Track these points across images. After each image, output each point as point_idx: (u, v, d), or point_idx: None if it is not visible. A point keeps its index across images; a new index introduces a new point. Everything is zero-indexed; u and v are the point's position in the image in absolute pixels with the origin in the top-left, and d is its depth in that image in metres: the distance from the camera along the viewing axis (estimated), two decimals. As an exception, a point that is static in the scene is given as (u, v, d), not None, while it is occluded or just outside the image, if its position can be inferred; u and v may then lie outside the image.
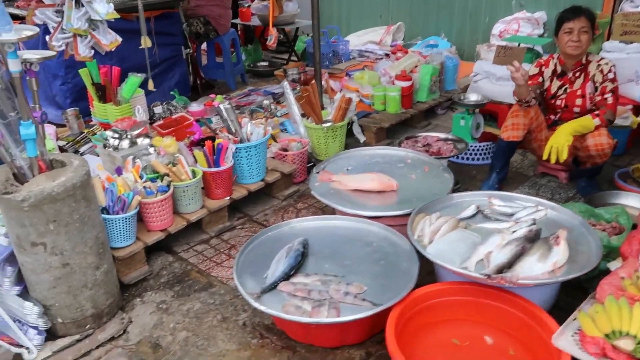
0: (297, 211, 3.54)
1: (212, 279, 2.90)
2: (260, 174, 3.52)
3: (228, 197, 3.33)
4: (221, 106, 3.42)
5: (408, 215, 2.80)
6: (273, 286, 2.36)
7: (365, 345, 2.39)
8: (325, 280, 2.39)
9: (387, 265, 2.49)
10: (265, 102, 4.42)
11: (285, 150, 3.82)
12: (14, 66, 2.21)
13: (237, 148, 3.31)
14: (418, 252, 2.50)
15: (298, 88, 4.78)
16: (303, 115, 4.04)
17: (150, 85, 3.81)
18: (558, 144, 3.17)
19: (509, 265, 2.29)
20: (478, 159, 4.05)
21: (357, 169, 3.33)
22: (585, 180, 3.56)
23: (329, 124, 3.84)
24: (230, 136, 3.34)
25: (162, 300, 2.77)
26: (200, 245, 3.22)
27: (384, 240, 2.67)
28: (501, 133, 3.49)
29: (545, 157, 3.25)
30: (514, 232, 2.53)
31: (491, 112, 4.33)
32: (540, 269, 2.25)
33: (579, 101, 3.43)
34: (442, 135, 3.85)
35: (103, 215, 2.68)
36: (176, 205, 3.13)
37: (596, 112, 3.29)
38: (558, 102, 3.50)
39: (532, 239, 2.45)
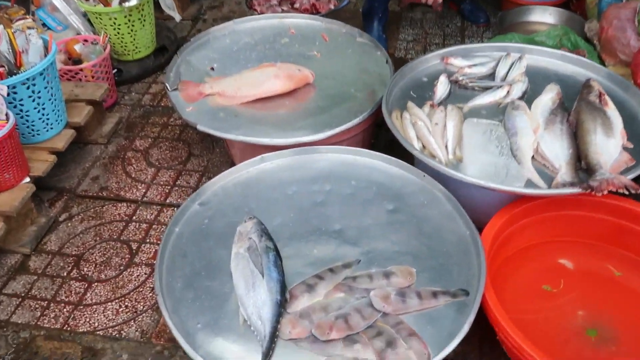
0: (143, 155, 2.19)
1: (87, 340, 1.57)
2: (62, 117, 2.01)
3: (27, 179, 1.82)
4: None
5: (369, 119, 1.82)
6: (274, 338, 1.24)
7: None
8: (350, 286, 1.35)
9: (405, 214, 1.54)
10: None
11: (77, 61, 2.26)
12: None
13: (11, 86, 1.72)
14: (429, 171, 1.59)
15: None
16: (77, -6, 2.41)
17: None
18: None
19: (577, 155, 1.57)
20: (331, 5, 3.06)
21: (227, 65, 2.08)
22: (469, 2, 2.94)
23: (134, 2, 2.34)
24: (-12, 67, 1.71)
25: None
26: (17, 280, 1.74)
27: (367, 172, 1.67)
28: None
29: None
30: (521, 98, 1.80)
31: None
32: (615, 146, 1.58)
33: None
34: (297, -18, 2.70)
35: None
36: (-61, 235, 1.55)
37: None
38: None
39: (563, 105, 1.75)
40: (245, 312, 1.28)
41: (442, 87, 1.86)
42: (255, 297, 1.28)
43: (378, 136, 2.11)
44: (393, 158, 1.66)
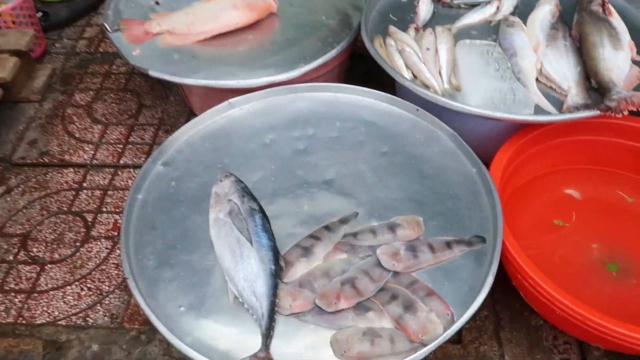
0: (86, 111, 1.90)
1: (48, 333, 1.35)
2: (-18, 73, 1.69)
3: (-51, 149, 1.53)
4: None
5: (347, 49, 1.60)
6: (273, 314, 1.06)
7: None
8: (351, 244, 1.18)
9: (402, 155, 1.36)
10: None
11: (-9, 4, 1.91)
12: None
13: None
14: (422, 104, 1.40)
15: None
16: None
17: None
18: None
19: (585, 73, 1.41)
20: None
21: (173, -3, 1.79)
22: None
23: None
24: None
25: None
26: (-46, 270, 1.49)
27: (352, 111, 1.46)
28: None
29: None
30: (512, 14, 1.62)
31: None
32: (625, 59, 1.43)
33: None
34: None
35: None
36: None
37: None
38: None
39: (563, 17, 1.57)
40: (236, 287, 1.09)
41: (424, 7, 1.64)
42: (245, 270, 1.09)
43: (350, 68, 1.89)
44: (382, 92, 1.45)
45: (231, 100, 1.46)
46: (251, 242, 1.11)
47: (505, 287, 1.30)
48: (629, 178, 1.48)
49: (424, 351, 1.00)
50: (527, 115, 1.32)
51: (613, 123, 1.42)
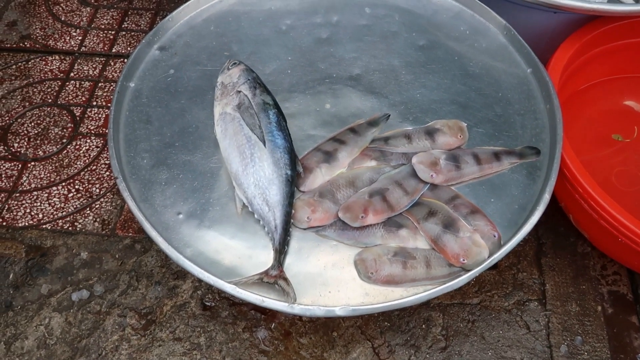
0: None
1: (32, 237, 1.20)
2: None
3: None
4: None
5: None
6: (288, 227, 0.90)
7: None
8: (382, 150, 0.99)
9: (443, 50, 1.15)
10: None
11: None
12: None
13: None
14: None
15: None
16: None
17: None
18: None
19: (670, -42, 1.17)
20: None
21: None
22: None
23: None
24: None
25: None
26: None
27: (385, -4, 1.23)
28: None
29: None
30: None
31: None
32: None
33: None
34: None
35: None
36: None
37: None
38: None
39: None
40: (245, 194, 0.92)
41: None
42: (256, 174, 0.92)
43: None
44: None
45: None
46: (264, 142, 0.93)
47: (550, 208, 1.13)
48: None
49: (466, 277, 0.84)
50: (600, 4, 1.09)
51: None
